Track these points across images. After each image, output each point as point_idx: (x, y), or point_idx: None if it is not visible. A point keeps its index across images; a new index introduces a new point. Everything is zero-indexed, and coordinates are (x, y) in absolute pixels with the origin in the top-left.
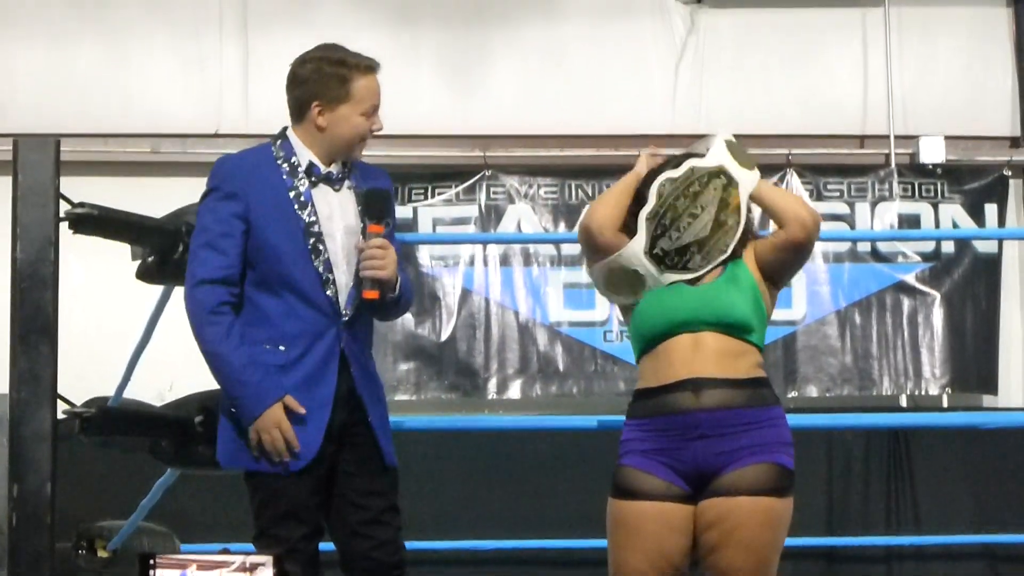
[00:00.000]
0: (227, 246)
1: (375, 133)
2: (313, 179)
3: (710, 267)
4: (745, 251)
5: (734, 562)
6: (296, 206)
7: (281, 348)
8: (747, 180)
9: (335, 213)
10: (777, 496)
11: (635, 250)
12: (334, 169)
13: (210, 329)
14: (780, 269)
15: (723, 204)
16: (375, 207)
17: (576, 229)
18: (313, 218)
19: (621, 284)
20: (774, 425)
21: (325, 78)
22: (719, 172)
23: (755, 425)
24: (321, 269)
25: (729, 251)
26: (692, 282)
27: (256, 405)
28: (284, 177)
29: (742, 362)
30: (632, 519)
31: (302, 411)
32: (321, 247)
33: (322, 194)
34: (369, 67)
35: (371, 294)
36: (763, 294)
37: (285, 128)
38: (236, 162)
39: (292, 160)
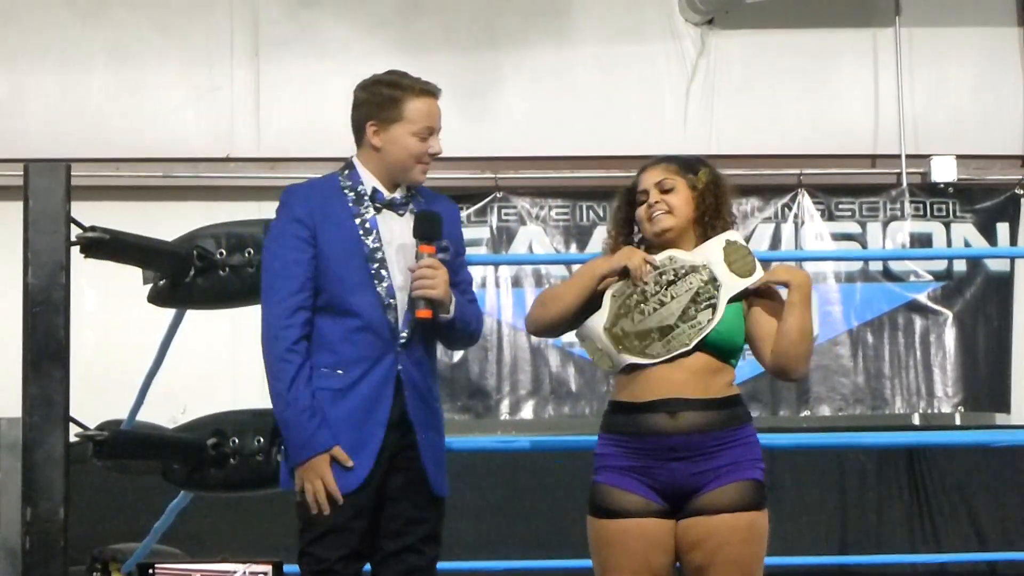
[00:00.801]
0: (298, 272)
1: (433, 156)
2: (377, 205)
3: (668, 357)
4: (731, 275)
5: None
6: (361, 232)
7: (339, 372)
8: (732, 285)
9: (396, 239)
10: (756, 510)
11: (595, 325)
12: (398, 195)
13: (282, 367)
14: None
15: (696, 298)
16: (426, 228)
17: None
18: (377, 244)
19: (593, 353)
20: (747, 443)
21: (380, 99)
22: (700, 268)
23: (730, 444)
24: (384, 294)
25: (692, 346)
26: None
27: (304, 451)
28: (350, 205)
29: (718, 380)
30: (615, 538)
31: (350, 464)
32: (384, 272)
33: (386, 220)
34: (424, 90)
35: (424, 313)
36: (745, 317)
37: (351, 158)
38: (304, 190)
39: (359, 188)
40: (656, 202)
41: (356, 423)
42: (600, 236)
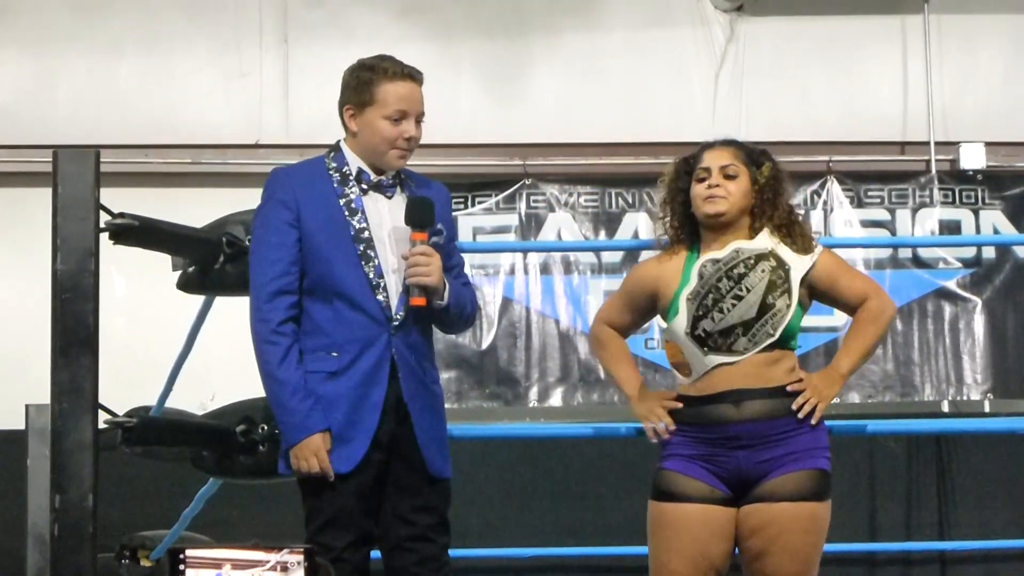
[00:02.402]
0: (282, 255)
1: (410, 141)
2: (364, 187)
3: (756, 350)
4: (796, 255)
5: (780, 568)
6: (347, 213)
7: (333, 355)
8: (799, 265)
9: (385, 220)
10: (818, 500)
11: (676, 330)
12: (385, 177)
13: (268, 348)
14: (825, 302)
15: (771, 287)
16: (418, 215)
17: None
18: (363, 224)
19: (674, 357)
20: (812, 430)
21: (356, 82)
22: (768, 255)
23: (794, 432)
24: (372, 275)
25: (777, 335)
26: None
27: (297, 432)
28: (335, 186)
29: (779, 368)
30: (675, 521)
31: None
32: (372, 253)
33: (373, 201)
34: (398, 73)
35: (418, 301)
36: (803, 301)
37: (339, 140)
38: (287, 173)
39: (344, 169)
40: (717, 185)
41: (350, 405)
42: (630, 223)
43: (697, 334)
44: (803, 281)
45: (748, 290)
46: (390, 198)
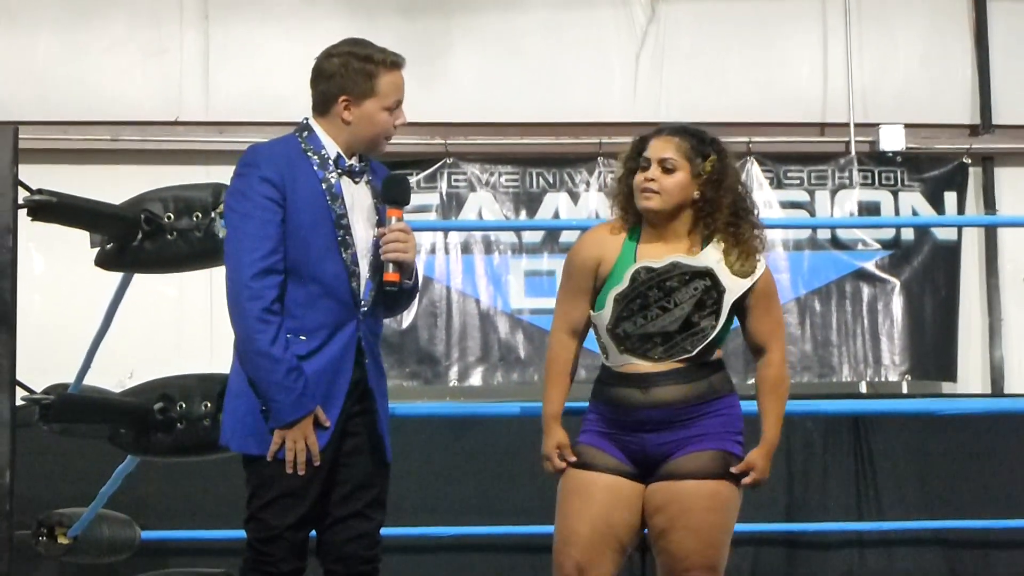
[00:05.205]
0: (271, 232)
1: (397, 127)
2: (339, 171)
3: (670, 360)
4: (734, 278)
5: (683, 545)
6: (328, 198)
7: (302, 338)
8: (735, 288)
9: (356, 205)
10: (722, 480)
11: (599, 322)
12: (355, 162)
13: (262, 327)
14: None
15: (699, 306)
16: (395, 192)
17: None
18: (343, 210)
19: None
20: (721, 414)
21: (352, 73)
22: (705, 274)
23: (702, 415)
24: (349, 262)
25: (695, 352)
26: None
27: (292, 412)
28: (315, 168)
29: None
30: (582, 487)
31: (328, 424)
32: (349, 239)
33: (346, 187)
34: (394, 63)
35: (392, 276)
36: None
37: (307, 119)
38: (271, 150)
39: (321, 152)
40: (652, 179)
41: (319, 389)
42: (550, 203)
43: (617, 332)
44: (735, 304)
45: (675, 304)
46: (357, 183)
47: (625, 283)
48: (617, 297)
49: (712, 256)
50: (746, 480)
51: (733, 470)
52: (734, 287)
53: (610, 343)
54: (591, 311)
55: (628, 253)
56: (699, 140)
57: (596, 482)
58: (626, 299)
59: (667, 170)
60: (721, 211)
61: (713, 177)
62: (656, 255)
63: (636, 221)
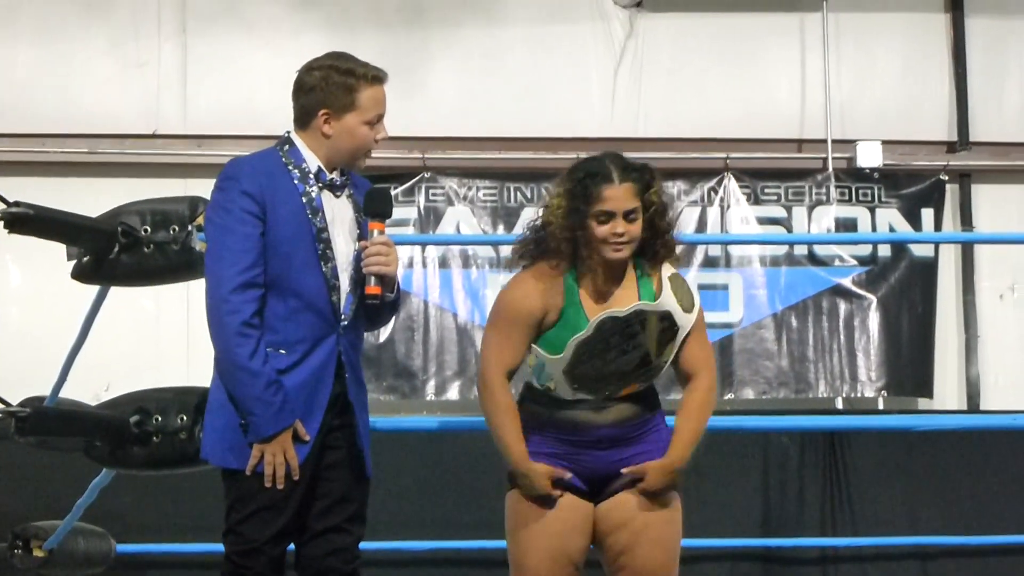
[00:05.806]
0: (250, 246)
1: (378, 142)
2: (320, 185)
3: (620, 394)
4: (684, 314)
5: (651, 559)
6: (308, 211)
7: (282, 351)
8: (685, 324)
9: (336, 219)
10: (672, 492)
11: (553, 365)
12: (336, 176)
13: (241, 341)
14: None
15: (658, 346)
16: (378, 205)
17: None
18: (323, 224)
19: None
20: (659, 428)
21: (333, 87)
22: (666, 316)
23: (648, 431)
24: (329, 275)
25: (644, 386)
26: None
27: (271, 425)
28: (296, 182)
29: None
30: (538, 515)
31: (307, 438)
32: (330, 253)
33: (326, 200)
34: (376, 77)
35: (374, 289)
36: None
37: (288, 133)
38: (252, 164)
39: (303, 166)
40: (623, 233)
41: (299, 403)
42: (528, 217)
43: (575, 374)
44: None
45: (635, 348)
46: (338, 197)
47: (590, 331)
48: (579, 343)
49: (669, 299)
50: (641, 485)
51: (624, 471)
52: (685, 323)
53: (563, 382)
54: (546, 354)
55: (572, 296)
56: (640, 173)
57: (550, 510)
58: (587, 345)
59: (632, 220)
60: (661, 236)
61: (660, 208)
62: (611, 300)
63: (571, 263)
